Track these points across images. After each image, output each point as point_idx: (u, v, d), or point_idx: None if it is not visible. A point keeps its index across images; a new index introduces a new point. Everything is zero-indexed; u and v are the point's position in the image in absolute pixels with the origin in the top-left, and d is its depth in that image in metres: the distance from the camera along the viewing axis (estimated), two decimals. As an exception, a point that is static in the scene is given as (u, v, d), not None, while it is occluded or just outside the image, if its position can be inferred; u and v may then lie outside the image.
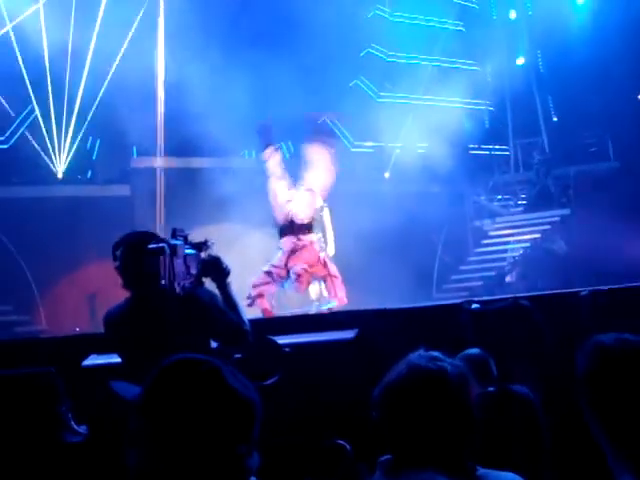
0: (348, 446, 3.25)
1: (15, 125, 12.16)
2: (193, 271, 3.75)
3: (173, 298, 3.60)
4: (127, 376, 3.64)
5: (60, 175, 12.31)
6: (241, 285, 11.74)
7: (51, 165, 12.25)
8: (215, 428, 1.54)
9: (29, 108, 12.21)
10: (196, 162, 12.58)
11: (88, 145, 12.74)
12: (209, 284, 3.86)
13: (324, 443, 3.27)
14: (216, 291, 3.82)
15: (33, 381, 4.08)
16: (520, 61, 15.57)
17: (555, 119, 15.71)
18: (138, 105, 11.69)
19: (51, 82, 11.89)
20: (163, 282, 3.58)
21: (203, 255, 3.85)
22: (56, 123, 12.16)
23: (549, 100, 15.65)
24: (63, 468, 3.61)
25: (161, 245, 3.63)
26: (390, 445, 1.91)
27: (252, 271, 11.67)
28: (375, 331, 5.21)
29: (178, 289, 3.61)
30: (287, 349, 4.79)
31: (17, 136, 12.19)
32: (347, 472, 3.18)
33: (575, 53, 14.09)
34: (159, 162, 12.34)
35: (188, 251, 3.77)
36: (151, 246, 3.62)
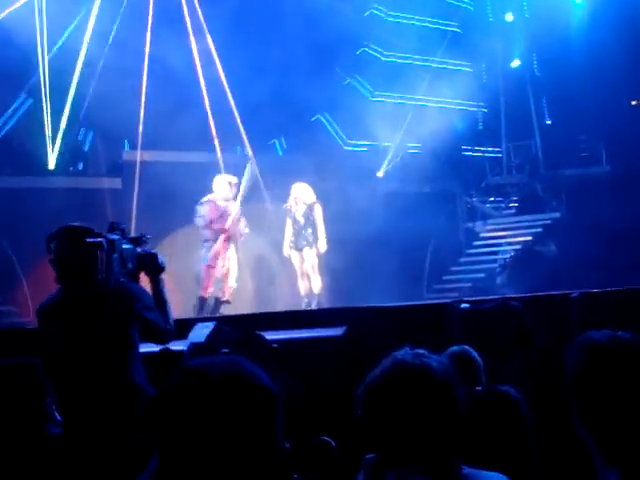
0: (334, 443, 3.23)
1: (7, 115, 12.08)
2: (129, 266, 3.78)
3: (105, 292, 3.62)
4: (54, 368, 3.66)
5: (52, 166, 12.23)
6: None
7: (43, 156, 12.16)
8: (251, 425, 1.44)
9: (21, 99, 12.13)
10: (185, 156, 12.53)
11: (80, 137, 12.67)
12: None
13: (310, 440, 3.25)
14: (148, 286, 3.88)
15: (18, 371, 4.05)
16: (515, 63, 15.58)
17: (549, 122, 15.74)
18: (130, 97, 11.63)
19: (44, 72, 11.80)
20: (99, 276, 3.60)
21: (139, 250, 3.88)
22: (48, 114, 12.07)
23: (543, 103, 15.68)
24: (46, 459, 3.58)
25: (99, 240, 3.64)
26: (374, 443, 1.89)
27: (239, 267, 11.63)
28: (364, 329, 5.20)
29: (113, 284, 3.64)
30: (275, 345, 4.76)
31: (9, 127, 12.12)
32: (333, 469, 3.16)
33: (570, 57, 14.11)
34: (147, 156, 12.27)
35: (125, 246, 3.78)
36: (89, 240, 3.62)
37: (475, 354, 3.53)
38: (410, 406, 1.84)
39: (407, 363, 1.89)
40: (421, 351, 1.95)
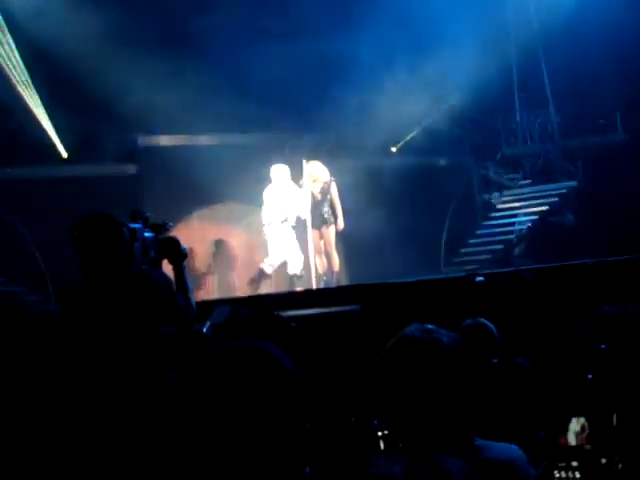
0: (352, 419, 3.28)
1: (20, 106, 12.12)
2: (152, 254, 3.82)
3: (128, 280, 3.65)
4: (76, 356, 3.71)
5: (65, 155, 12.28)
6: (249, 262, 11.86)
7: (55, 145, 12.21)
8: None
9: (35, 86, 12.15)
10: (202, 140, 12.55)
11: (93, 124, 12.69)
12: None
13: (328, 416, 3.29)
14: (171, 273, 3.91)
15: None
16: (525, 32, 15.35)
17: (563, 90, 15.54)
18: (146, 82, 11.62)
19: (56, 59, 11.79)
20: (122, 265, 3.63)
21: (161, 237, 3.92)
22: (62, 101, 12.09)
23: (557, 71, 15.47)
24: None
25: (121, 229, 3.67)
26: (385, 418, 1.92)
27: (256, 250, 11.66)
28: (380, 306, 5.22)
29: (135, 272, 3.67)
30: (294, 324, 4.82)
31: (22, 117, 12.15)
32: (351, 445, 3.20)
33: (585, 23, 13.90)
34: (165, 140, 12.31)
35: (147, 234, 3.82)
36: (111, 229, 3.66)
37: (491, 326, 3.53)
38: (419, 380, 1.85)
39: (416, 338, 1.91)
40: (430, 326, 1.97)
